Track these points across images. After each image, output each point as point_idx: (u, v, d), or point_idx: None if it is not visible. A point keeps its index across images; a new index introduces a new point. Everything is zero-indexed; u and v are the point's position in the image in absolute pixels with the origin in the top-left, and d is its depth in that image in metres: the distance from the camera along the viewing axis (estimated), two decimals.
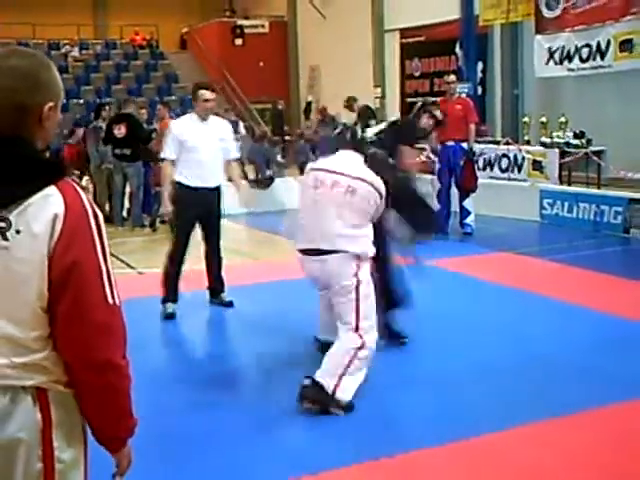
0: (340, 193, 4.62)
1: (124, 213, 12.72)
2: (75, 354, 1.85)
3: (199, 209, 6.76)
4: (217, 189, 6.92)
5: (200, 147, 6.70)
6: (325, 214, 4.62)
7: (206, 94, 6.73)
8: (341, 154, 5.04)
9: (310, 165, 5.17)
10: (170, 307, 6.86)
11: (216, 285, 7.18)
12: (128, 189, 12.63)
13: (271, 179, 13.98)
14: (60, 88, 1.95)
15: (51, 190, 1.82)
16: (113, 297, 1.87)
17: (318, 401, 4.50)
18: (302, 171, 15.83)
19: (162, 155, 6.92)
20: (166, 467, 3.98)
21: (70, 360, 1.86)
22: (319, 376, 4.52)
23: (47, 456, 1.86)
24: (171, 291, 6.88)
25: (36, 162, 1.85)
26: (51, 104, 1.90)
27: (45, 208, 1.80)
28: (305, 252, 4.75)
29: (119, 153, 12.12)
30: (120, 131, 12.07)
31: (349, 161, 4.89)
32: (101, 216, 1.89)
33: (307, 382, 4.53)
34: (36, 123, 1.88)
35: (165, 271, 6.91)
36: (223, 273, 7.19)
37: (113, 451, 1.99)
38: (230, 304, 7.10)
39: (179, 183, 6.75)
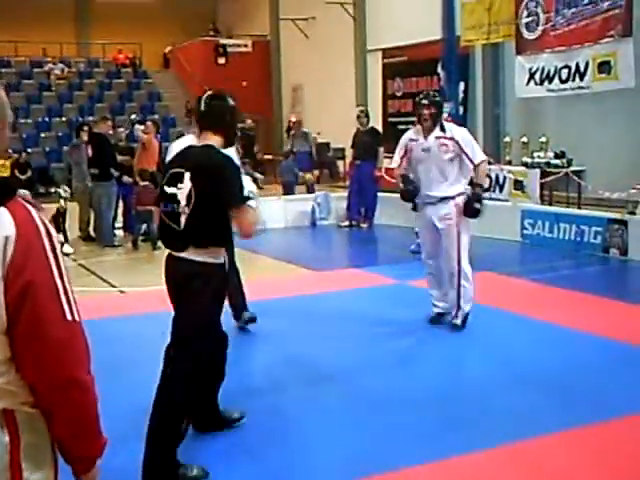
0: None
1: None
2: (38, 374, 1.83)
3: None
4: None
5: None
6: None
7: None
8: None
9: None
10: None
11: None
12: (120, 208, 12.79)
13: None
14: (4, 107, 1.92)
15: (0, 212, 1.80)
16: (72, 314, 1.85)
17: None
18: (287, 189, 15.87)
19: None
20: None
21: (34, 381, 1.84)
22: None
23: (15, 479, 1.84)
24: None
25: None
26: None
27: None
28: None
29: (90, 173, 12.26)
30: (89, 151, 12.20)
31: None
32: (55, 234, 1.88)
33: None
34: None
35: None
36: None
37: (82, 472, 1.96)
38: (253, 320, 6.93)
39: None
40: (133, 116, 14.28)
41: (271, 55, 26.39)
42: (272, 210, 13.69)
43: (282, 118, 26.01)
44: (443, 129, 6.63)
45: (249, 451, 4.41)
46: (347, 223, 13.93)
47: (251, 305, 7.16)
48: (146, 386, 5.61)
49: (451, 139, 6.56)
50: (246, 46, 26.76)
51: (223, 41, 27.03)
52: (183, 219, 4.01)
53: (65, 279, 1.87)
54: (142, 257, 11.47)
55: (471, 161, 6.54)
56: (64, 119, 24.13)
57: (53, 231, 1.88)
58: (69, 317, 1.85)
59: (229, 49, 26.54)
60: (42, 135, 23.39)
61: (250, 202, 4.09)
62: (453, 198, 6.61)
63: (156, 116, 24.27)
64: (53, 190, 20.54)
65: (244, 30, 28.07)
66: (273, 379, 5.63)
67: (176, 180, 4.07)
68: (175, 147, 6.77)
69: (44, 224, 1.86)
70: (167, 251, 4.28)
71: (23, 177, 20.10)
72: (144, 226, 12.13)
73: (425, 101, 6.67)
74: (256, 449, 4.43)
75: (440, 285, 6.92)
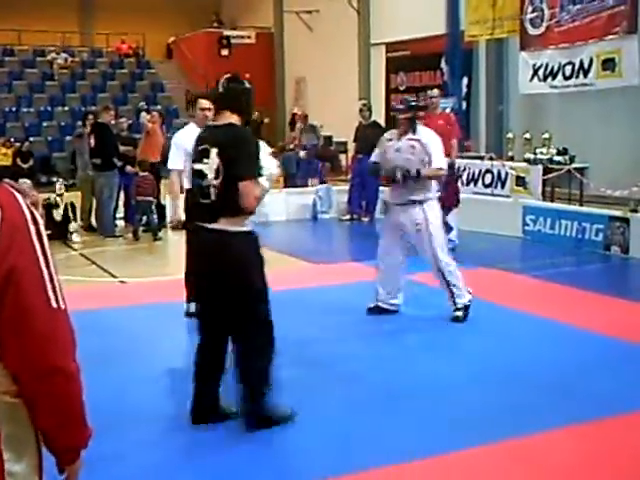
0: None
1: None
2: (21, 362, 1.79)
3: None
4: None
5: None
6: None
7: (203, 103, 6.92)
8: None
9: None
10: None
11: None
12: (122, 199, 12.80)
13: None
14: None
15: None
16: (57, 301, 1.81)
17: None
18: (287, 181, 15.85)
19: (169, 166, 7.17)
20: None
21: (18, 369, 1.80)
22: None
23: None
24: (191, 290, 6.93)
25: None
26: None
27: None
28: None
29: (92, 162, 12.26)
30: (91, 141, 12.19)
31: None
32: (41, 220, 1.84)
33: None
34: None
35: (186, 272, 6.92)
36: None
37: (66, 463, 1.91)
38: None
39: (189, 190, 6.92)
40: (142, 103, 14.32)
41: (274, 47, 26.33)
42: (273, 203, 13.67)
43: (285, 111, 25.96)
44: (415, 131, 6.92)
45: (251, 438, 4.41)
46: (348, 217, 13.92)
47: None
48: (142, 376, 5.64)
49: (418, 141, 6.83)
50: (249, 38, 26.71)
51: (227, 32, 26.98)
52: (213, 192, 4.37)
53: (51, 266, 1.82)
54: (143, 248, 11.47)
55: (432, 163, 6.83)
56: (67, 109, 24.10)
57: (39, 217, 1.83)
58: (54, 304, 1.80)
59: (232, 41, 26.49)
60: (44, 124, 23.37)
61: (262, 179, 4.45)
62: (421, 203, 6.84)
63: (159, 107, 24.26)
64: (55, 179, 20.59)
65: (248, 22, 28.01)
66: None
67: (202, 156, 4.45)
68: (183, 135, 6.92)
69: (30, 210, 1.82)
70: (181, 233, 4.47)
71: (25, 166, 20.11)
72: (144, 217, 12.14)
73: (402, 106, 7.08)
74: (258, 435, 4.43)
75: (386, 283, 7.05)
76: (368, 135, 13.76)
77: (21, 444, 1.84)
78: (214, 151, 4.35)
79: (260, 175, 4.40)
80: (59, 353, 1.81)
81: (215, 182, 4.33)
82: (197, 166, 4.47)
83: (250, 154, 4.37)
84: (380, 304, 7.09)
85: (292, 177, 15.85)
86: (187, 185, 6.91)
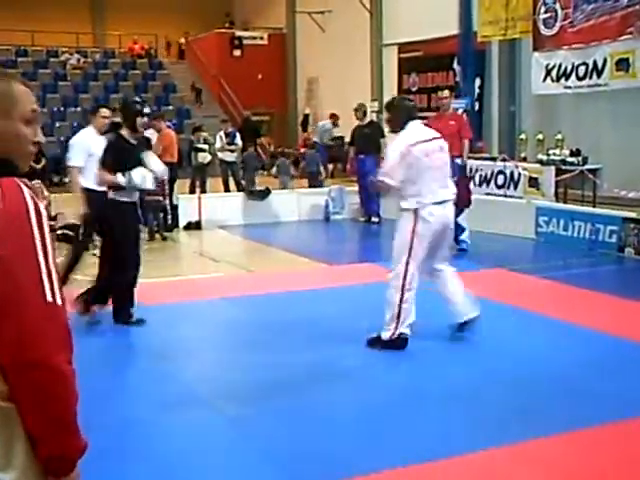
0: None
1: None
2: (10, 354, 1.72)
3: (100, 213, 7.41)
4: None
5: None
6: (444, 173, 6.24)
7: (106, 112, 7.93)
8: (417, 125, 6.18)
9: (410, 140, 6.00)
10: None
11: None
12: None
13: (268, 191, 13.97)
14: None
15: None
16: (53, 295, 1.75)
17: None
18: (312, 180, 15.76)
19: (71, 163, 7.84)
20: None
21: (5, 361, 1.73)
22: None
23: None
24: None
25: None
26: None
27: None
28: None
29: None
30: None
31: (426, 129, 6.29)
32: (44, 213, 1.80)
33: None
34: None
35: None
36: None
37: (53, 473, 1.79)
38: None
39: (91, 189, 7.41)
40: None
41: (287, 48, 26.35)
42: (285, 203, 13.69)
43: (297, 111, 25.97)
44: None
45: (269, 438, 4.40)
46: (365, 218, 13.78)
47: (263, 298, 7.16)
48: (152, 375, 5.64)
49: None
50: (262, 39, 26.74)
51: (239, 33, 27.02)
52: None
53: (50, 259, 1.77)
54: (154, 248, 11.48)
55: None
56: (79, 109, 24.18)
57: (43, 210, 1.80)
58: (49, 298, 1.75)
59: (245, 41, 26.53)
60: (57, 124, 23.46)
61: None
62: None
63: (170, 107, 24.33)
64: (67, 180, 20.63)
65: (260, 23, 28.05)
66: (280, 373, 5.61)
67: None
68: (85, 138, 7.78)
69: (34, 201, 1.79)
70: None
71: (38, 166, 20.19)
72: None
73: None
74: (276, 436, 4.42)
75: None
76: (366, 135, 13.74)
77: (12, 450, 1.76)
78: None
79: None
80: (47, 348, 1.73)
81: None
82: None
83: None
84: None
85: (314, 176, 15.78)
86: (85, 183, 7.52)
